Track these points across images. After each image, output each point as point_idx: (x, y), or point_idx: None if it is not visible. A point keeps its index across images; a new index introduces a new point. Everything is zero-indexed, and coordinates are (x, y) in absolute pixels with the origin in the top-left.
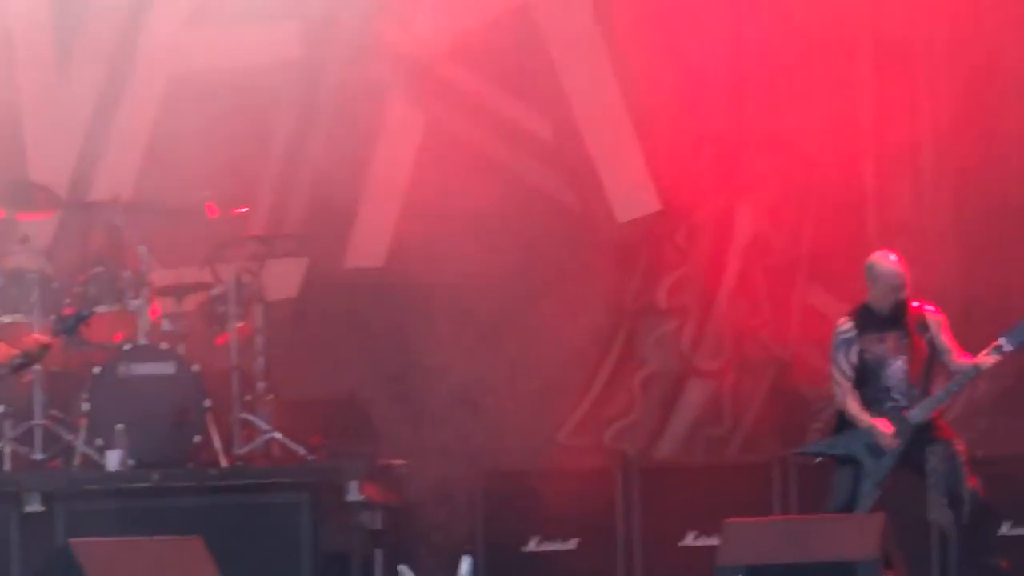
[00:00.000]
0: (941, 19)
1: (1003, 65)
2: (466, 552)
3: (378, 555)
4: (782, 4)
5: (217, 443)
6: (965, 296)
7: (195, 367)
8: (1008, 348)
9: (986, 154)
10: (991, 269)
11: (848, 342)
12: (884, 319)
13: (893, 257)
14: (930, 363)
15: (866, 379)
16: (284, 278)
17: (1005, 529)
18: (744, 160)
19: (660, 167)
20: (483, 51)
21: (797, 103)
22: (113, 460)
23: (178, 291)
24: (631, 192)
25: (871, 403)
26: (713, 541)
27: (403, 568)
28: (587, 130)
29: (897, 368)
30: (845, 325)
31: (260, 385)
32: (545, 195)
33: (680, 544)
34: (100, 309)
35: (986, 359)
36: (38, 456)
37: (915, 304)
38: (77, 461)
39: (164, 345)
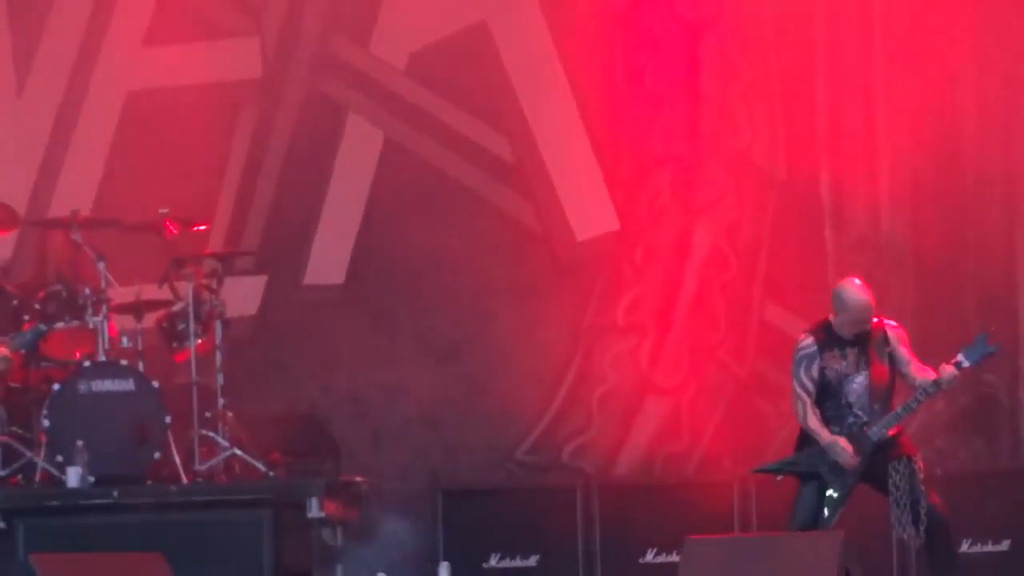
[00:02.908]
0: (898, 33)
1: (961, 79)
2: (430, 568)
3: (339, 571)
4: (738, 22)
5: (177, 460)
6: (923, 312)
7: (155, 384)
8: (966, 364)
9: (944, 168)
10: (949, 284)
11: (809, 358)
12: (846, 335)
13: (859, 283)
14: (891, 379)
15: (827, 395)
16: (243, 295)
17: (964, 546)
18: (701, 178)
19: (618, 186)
20: (441, 69)
21: (754, 121)
22: (73, 477)
23: (137, 308)
24: (589, 211)
25: (833, 419)
26: (673, 558)
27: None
28: (545, 149)
29: (858, 384)
30: (806, 341)
31: (220, 402)
32: (503, 213)
33: (641, 561)
34: (59, 326)
35: (946, 375)
36: None
37: (875, 320)
38: (38, 477)
39: (124, 362)
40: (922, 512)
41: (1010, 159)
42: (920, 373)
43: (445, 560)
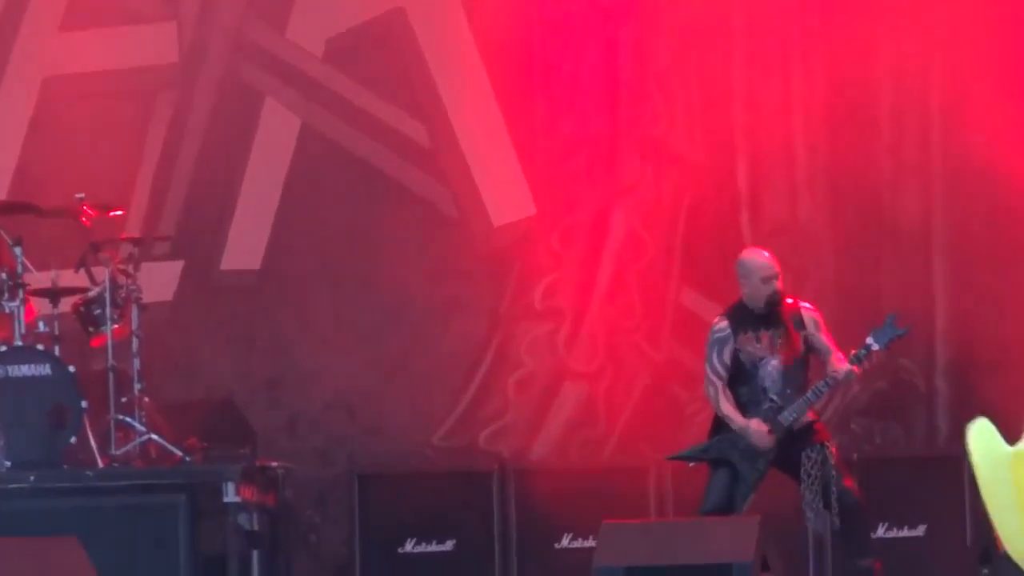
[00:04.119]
0: (815, 17)
1: (878, 65)
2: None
3: (255, 556)
4: (655, 8)
5: (94, 445)
6: (841, 297)
7: (71, 369)
8: (876, 347)
9: (860, 153)
10: (866, 270)
11: (722, 341)
12: (759, 317)
13: (762, 251)
14: (805, 362)
15: (742, 379)
16: (160, 280)
17: (880, 531)
18: (618, 163)
19: (535, 171)
20: (358, 55)
21: (671, 104)
22: None
23: (54, 293)
24: (506, 196)
25: (748, 404)
26: (589, 543)
27: None
28: (462, 134)
29: (772, 367)
30: (720, 323)
31: (136, 387)
32: (420, 199)
33: (557, 546)
34: None
35: (858, 362)
36: None
37: (790, 301)
38: None
39: (40, 347)
40: (833, 498)
41: (925, 145)
42: (839, 363)
43: (360, 546)
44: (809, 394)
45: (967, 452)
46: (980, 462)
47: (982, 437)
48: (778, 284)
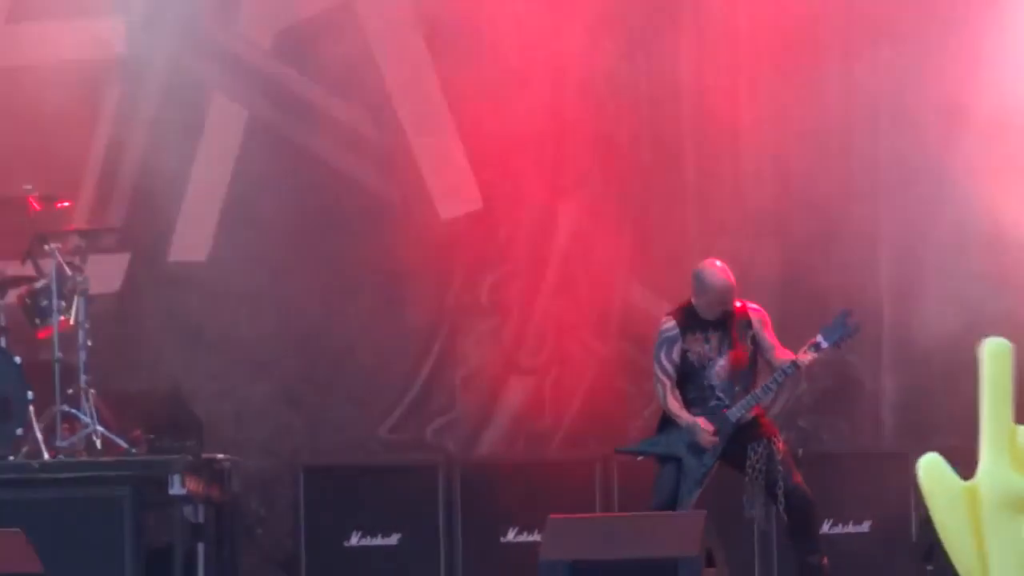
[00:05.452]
0: (764, 12)
1: (826, 55)
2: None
3: (201, 549)
4: (604, 3)
5: (39, 436)
6: (787, 292)
7: (17, 359)
8: (825, 345)
9: (809, 147)
10: (813, 264)
11: (670, 341)
12: (708, 320)
13: (720, 264)
14: (753, 362)
15: (689, 377)
16: (107, 272)
17: (826, 527)
18: (565, 158)
19: (482, 165)
20: (305, 47)
21: (618, 99)
22: None
23: (0, 284)
24: (453, 190)
25: (694, 401)
26: (535, 537)
27: None
28: (409, 127)
29: (720, 367)
30: (667, 324)
31: (82, 378)
32: (367, 191)
33: (502, 540)
34: None
35: (804, 356)
36: None
37: (739, 304)
38: None
39: None
40: (779, 493)
41: (873, 135)
42: (782, 356)
43: (305, 540)
44: (758, 391)
45: (917, 483)
46: (933, 498)
47: (933, 472)
48: (732, 305)
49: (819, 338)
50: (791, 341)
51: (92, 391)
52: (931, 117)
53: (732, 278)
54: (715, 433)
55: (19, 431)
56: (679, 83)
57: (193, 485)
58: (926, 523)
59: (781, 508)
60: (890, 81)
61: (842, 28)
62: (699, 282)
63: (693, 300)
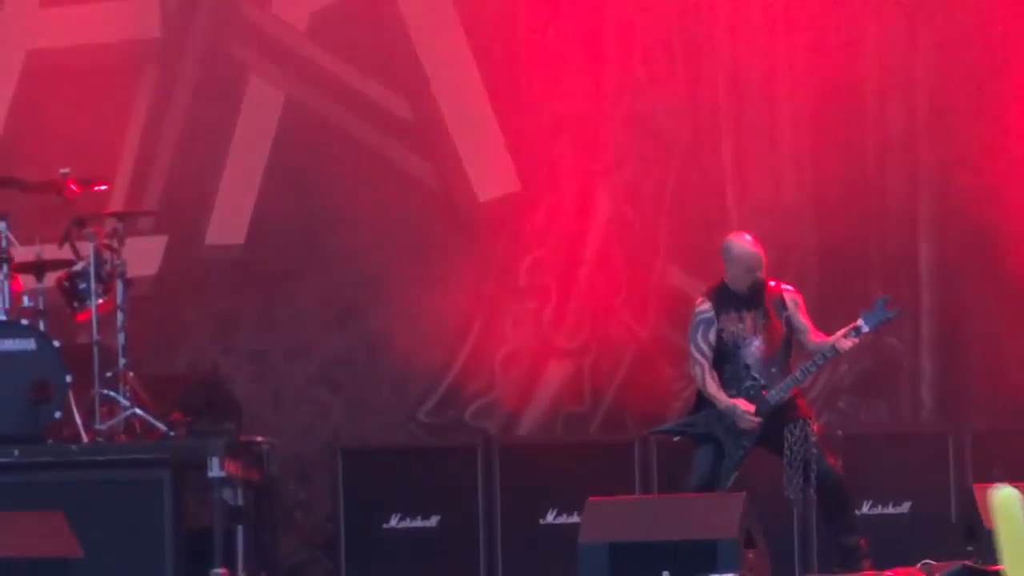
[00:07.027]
0: None
1: (861, 40)
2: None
3: (240, 531)
4: None
5: (78, 419)
6: (825, 277)
7: (56, 343)
8: (866, 329)
9: (847, 133)
10: (851, 249)
11: (706, 322)
12: (742, 298)
13: (748, 237)
14: (788, 342)
15: (725, 358)
16: (145, 255)
17: (864, 508)
18: (603, 141)
19: (520, 147)
20: (342, 29)
21: (655, 82)
22: None
23: (38, 267)
24: (491, 171)
25: (729, 382)
26: (574, 519)
27: None
28: (447, 109)
29: (755, 348)
30: (703, 305)
31: (121, 361)
32: (405, 174)
33: (542, 522)
34: None
35: (844, 341)
36: None
37: (772, 283)
38: None
39: (25, 321)
40: (812, 474)
41: (911, 123)
42: (817, 338)
43: (344, 522)
44: (797, 374)
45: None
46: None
47: (1009, 508)
48: (761, 273)
49: (860, 322)
50: (832, 324)
51: (131, 374)
52: (971, 90)
53: (758, 247)
54: (754, 414)
55: (58, 414)
56: (716, 62)
57: (232, 468)
58: (966, 502)
59: (814, 489)
60: (927, 58)
61: (879, 5)
62: (727, 253)
63: (725, 276)
